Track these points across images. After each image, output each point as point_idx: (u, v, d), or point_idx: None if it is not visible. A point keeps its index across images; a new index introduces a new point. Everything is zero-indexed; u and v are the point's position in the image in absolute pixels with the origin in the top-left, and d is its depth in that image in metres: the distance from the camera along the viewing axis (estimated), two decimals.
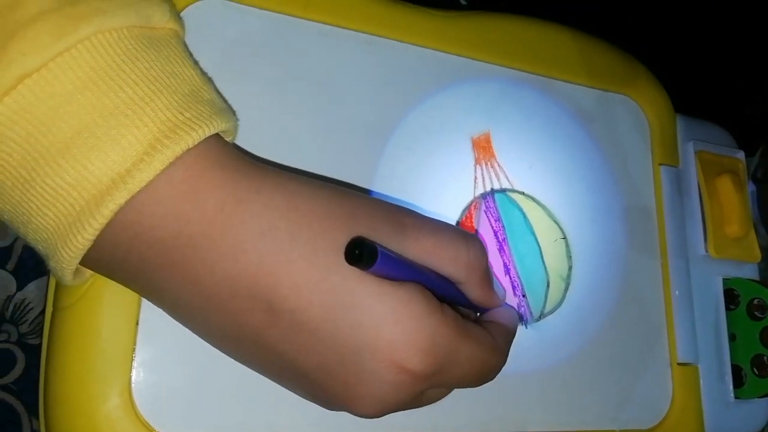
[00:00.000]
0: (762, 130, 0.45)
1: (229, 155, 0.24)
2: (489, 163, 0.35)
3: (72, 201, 0.21)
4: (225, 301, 0.23)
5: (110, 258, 0.23)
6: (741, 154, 0.43)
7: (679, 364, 0.37)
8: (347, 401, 0.24)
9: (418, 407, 0.26)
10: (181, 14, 0.29)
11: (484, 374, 0.27)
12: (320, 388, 0.24)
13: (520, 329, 0.33)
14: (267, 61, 0.31)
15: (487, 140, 0.35)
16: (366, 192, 0.32)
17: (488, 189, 0.34)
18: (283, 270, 0.22)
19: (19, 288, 0.39)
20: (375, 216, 0.24)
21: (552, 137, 0.37)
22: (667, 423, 0.36)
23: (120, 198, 0.21)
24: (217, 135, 0.24)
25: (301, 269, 0.22)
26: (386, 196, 0.32)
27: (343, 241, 0.23)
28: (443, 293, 0.26)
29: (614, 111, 0.40)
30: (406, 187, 0.32)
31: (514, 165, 0.35)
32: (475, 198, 0.34)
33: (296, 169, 0.30)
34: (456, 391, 0.28)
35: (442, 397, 0.27)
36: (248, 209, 0.22)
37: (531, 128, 0.36)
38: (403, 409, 0.25)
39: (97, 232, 0.21)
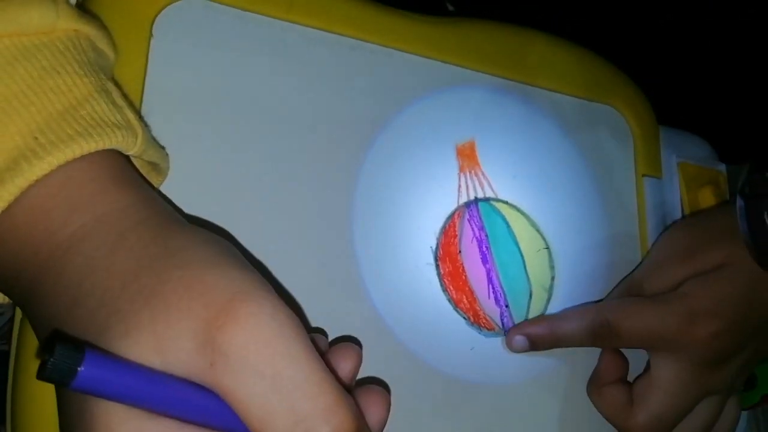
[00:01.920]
0: (743, 142, 0.45)
1: (91, 185, 0.21)
2: (473, 172, 0.34)
3: None
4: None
5: None
6: (722, 167, 0.43)
7: None
8: None
9: None
10: (160, 14, 0.28)
11: None
12: None
13: (503, 339, 0.33)
14: (248, 63, 0.30)
15: (472, 148, 0.35)
16: (348, 200, 0.31)
17: (472, 197, 0.34)
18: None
19: None
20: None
21: (536, 146, 0.37)
22: None
23: None
24: (109, 151, 0.22)
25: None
26: (368, 204, 0.31)
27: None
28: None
29: (598, 121, 0.40)
30: (389, 195, 0.32)
31: (498, 174, 0.35)
32: (458, 206, 0.34)
33: (273, 178, 0.30)
34: (438, 406, 0.28)
35: None
36: (70, 258, 0.20)
37: (516, 137, 0.36)
38: None
39: None
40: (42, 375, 0.16)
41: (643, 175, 0.40)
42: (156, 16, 0.29)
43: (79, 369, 0.16)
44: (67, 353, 0.16)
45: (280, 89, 0.31)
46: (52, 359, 0.16)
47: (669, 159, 0.41)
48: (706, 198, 0.41)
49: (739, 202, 0.30)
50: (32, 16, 0.21)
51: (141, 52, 0.28)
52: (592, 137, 0.39)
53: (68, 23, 0.22)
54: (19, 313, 0.26)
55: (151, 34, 0.28)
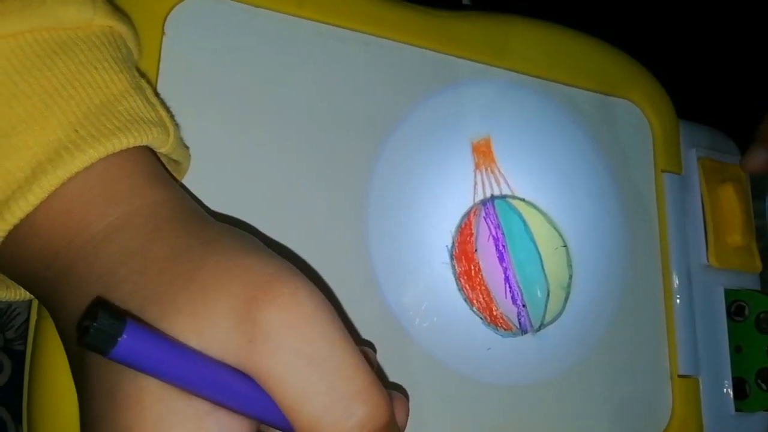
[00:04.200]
0: None
1: (127, 180, 0.21)
2: (489, 169, 0.34)
3: None
4: None
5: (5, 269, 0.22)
6: None
7: (679, 376, 0.36)
8: None
9: None
10: (172, 12, 0.28)
11: None
12: None
13: (520, 340, 0.32)
14: (260, 60, 0.30)
15: (488, 145, 0.34)
16: (364, 201, 0.31)
17: (488, 195, 0.33)
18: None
19: None
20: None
21: (553, 142, 0.36)
22: None
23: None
24: (138, 148, 0.22)
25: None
26: (383, 202, 0.31)
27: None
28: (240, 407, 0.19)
29: (616, 115, 0.39)
30: (404, 192, 0.31)
31: (514, 170, 0.34)
32: (474, 204, 0.33)
33: (287, 176, 0.29)
34: (454, 407, 0.27)
35: None
36: (108, 250, 0.20)
37: (532, 133, 0.36)
38: None
39: None
40: (83, 340, 0.16)
41: (663, 171, 0.39)
42: (168, 13, 0.28)
43: (120, 337, 0.16)
44: (110, 321, 0.16)
45: (293, 86, 0.30)
46: (95, 324, 0.15)
47: (689, 154, 0.40)
48: (728, 194, 0.40)
49: None
50: (70, 10, 0.21)
51: (153, 50, 0.28)
52: (609, 132, 0.38)
53: (104, 20, 0.22)
54: (35, 313, 0.26)
55: (163, 32, 0.28)
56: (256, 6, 0.30)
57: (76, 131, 0.20)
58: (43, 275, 0.21)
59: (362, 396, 0.18)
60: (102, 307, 0.16)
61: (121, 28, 0.23)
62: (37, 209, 0.20)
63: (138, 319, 0.18)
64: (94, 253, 0.20)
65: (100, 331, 0.16)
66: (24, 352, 0.37)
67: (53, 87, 0.20)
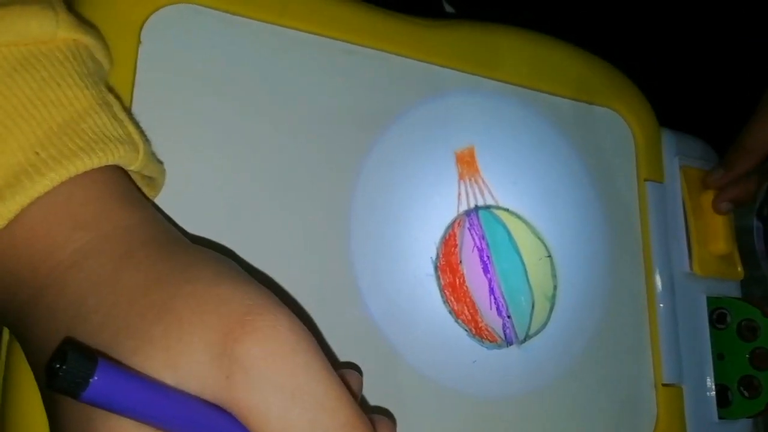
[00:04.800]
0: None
1: (95, 203, 0.20)
2: (473, 179, 0.34)
3: None
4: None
5: None
6: None
7: (663, 384, 0.36)
8: None
9: None
10: (149, 20, 0.27)
11: None
12: None
13: (506, 351, 0.32)
14: (240, 69, 0.29)
15: (471, 155, 0.34)
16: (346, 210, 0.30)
17: (472, 205, 0.33)
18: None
19: None
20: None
21: (537, 152, 0.36)
22: None
23: None
24: (111, 166, 0.21)
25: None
26: (366, 213, 0.30)
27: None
28: None
29: (599, 124, 0.39)
30: (388, 204, 0.31)
31: (498, 180, 0.34)
32: (459, 215, 0.33)
33: (268, 188, 0.29)
34: (442, 418, 0.27)
35: None
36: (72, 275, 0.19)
37: (516, 142, 0.35)
38: None
39: None
40: (53, 384, 0.15)
41: (645, 180, 0.39)
42: (144, 21, 0.27)
43: (91, 378, 0.15)
44: (80, 362, 0.15)
45: (273, 96, 0.29)
46: (64, 367, 0.14)
47: (671, 162, 0.41)
48: (710, 202, 0.40)
49: (757, 223, 0.30)
50: (31, 24, 0.20)
51: (129, 59, 0.27)
52: (592, 141, 0.38)
53: (68, 33, 0.21)
54: (7, 335, 0.25)
55: (139, 41, 0.27)
56: (236, 14, 0.29)
57: (37, 153, 0.19)
58: (9, 306, 0.20)
59: (346, 429, 0.18)
60: (71, 346, 0.15)
61: (87, 40, 0.22)
62: None
63: (109, 357, 0.17)
64: (62, 281, 0.19)
65: (70, 373, 0.15)
66: None
67: (13, 107, 0.19)
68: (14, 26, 0.20)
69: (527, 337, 0.33)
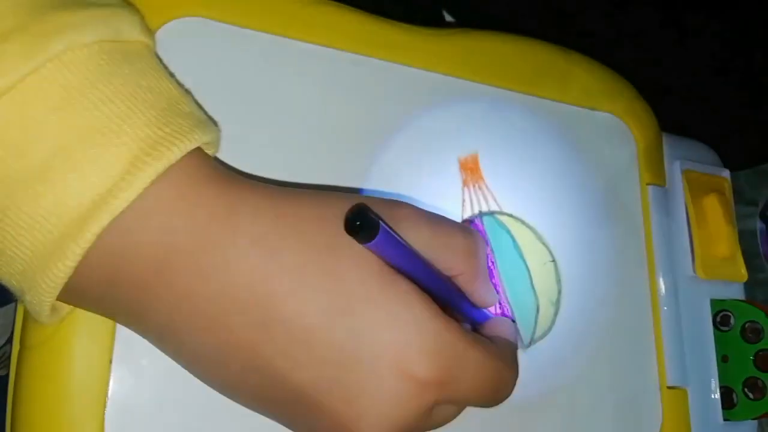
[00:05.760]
0: (746, 147, 0.45)
1: (212, 168, 0.23)
2: (477, 185, 0.34)
3: (50, 227, 0.20)
4: (217, 317, 0.21)
5: (94, 286, 0.21)
6: (726, 173, 0.42)
7: (668, 387, 0.37)
8: (349, 422, 0.22)
9: (429, 431, 0.24)
10: (158, 32, 0.28)
11: (497, 388, 0.25)
12: (317, 410, 0.22)
13: None
14: (247, 81, 0.30)
15: (475, 161, 0.34)
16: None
17: (476, 212, 0.34)
18: (276, 276, 0.21)
19: None
20: None
21: (539, 157, 0.36)
22: None
23: (103, 220, 0.20)
24: (198, 147, 0.23)
25: (294, 274, 0.22)
26: None
27: (334, 243, 0.22)
28: (440, 293, 0.25)
29: (601, 130, 0.39)
30: None
31: (502, 186, 0.35)
32: (463, 221, 0.33)
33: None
34: (445, 426, 0.27)
35: (453, 417, 0.25)
36: (238, 219, 0.22)
37: (518, 148, 0.36)
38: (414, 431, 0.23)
39: (79, 258, 0.20)
40: (354, 226, 0.21)
41: (648, 184, 0.39)
42: (153, 34, 0.28)
43: (381, 225, 0.21)
44: (373, 217, 0.21)
45: (281, 107, 0.30)
46: (370, 215, 0.21)
47: (673, 166, 0.41)
48: (712, 205, 0.40)
49: (761, 225, 0.30)
50: (123, 25, 0.22)
51: None
52: (595, 146, 0.39)
53: (143, 37, 0.23)
54: (16, 344, 0.26)
55: None
56: (243, 27, 0.30)
57: (161, 129, 0.21)
58: (150, 266, 0.21)
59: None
60: (365, 207, 0.22)
61: (152, 45, 0.24)
62: (142, 198, 0.21)
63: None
64: (232, 235, 0.22)
65: (370, 220, 0.21)
66: (3, 377, 0.37)
67: (130, 92, 0.21)
68: (114, 25, 0.22)
69: (532, 342, 0.33)
